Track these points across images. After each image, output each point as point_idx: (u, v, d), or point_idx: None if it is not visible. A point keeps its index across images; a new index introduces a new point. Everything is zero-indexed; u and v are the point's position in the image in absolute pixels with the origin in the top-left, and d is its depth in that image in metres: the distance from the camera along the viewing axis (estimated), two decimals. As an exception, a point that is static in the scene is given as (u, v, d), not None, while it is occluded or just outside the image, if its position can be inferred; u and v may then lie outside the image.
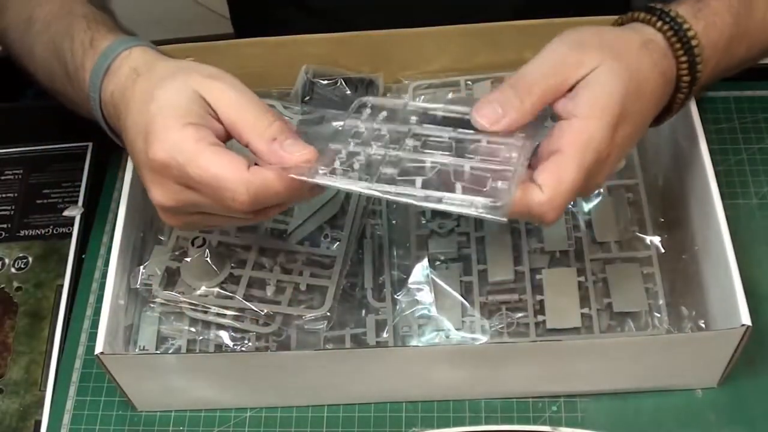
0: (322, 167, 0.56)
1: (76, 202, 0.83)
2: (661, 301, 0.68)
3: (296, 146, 0.56)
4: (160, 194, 0.58)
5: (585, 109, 0.55)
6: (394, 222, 0.75)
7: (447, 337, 0.68)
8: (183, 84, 0.58)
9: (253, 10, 0.94)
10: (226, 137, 0.58)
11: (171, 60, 0.62)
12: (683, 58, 0.60)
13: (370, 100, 0.62)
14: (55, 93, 0.72)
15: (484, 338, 0.68)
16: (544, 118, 0.58)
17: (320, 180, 0.56)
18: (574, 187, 0.55)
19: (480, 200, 0.53)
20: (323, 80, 0.80)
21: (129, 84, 0.61)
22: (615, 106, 0.55)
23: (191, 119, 0.57)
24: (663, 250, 0.71)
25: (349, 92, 0.80)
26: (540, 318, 0.68)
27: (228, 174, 0.55)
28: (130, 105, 0.59)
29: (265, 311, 0.69)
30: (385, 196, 0.55)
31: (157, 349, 0.70)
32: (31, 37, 0.71)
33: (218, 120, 0.58)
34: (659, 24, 0.60)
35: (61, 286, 0.78)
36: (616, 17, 0.64)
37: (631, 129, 0.57)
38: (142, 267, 0.71)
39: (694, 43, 0.60)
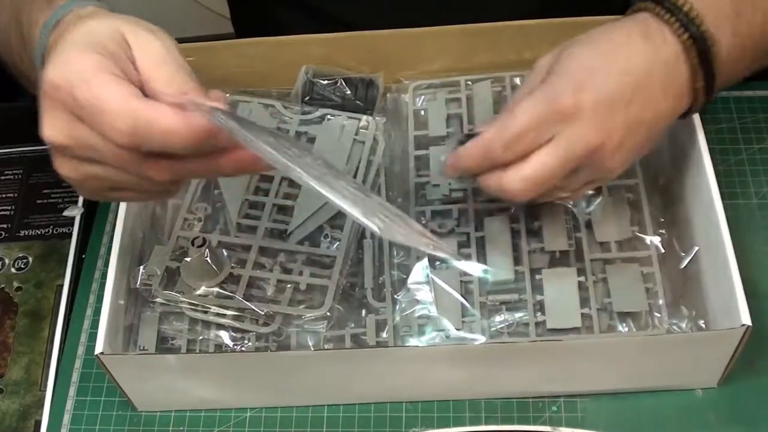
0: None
1: (76, 202, 0.83)
2: (661, 301, 0.68)
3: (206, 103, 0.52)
4: (49, 125, 0.54)
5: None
6: (394, 222, 0.75)
7: (447, 337, 0.68)
8: (111, 24, 0.55)
9: (253, 10, 0.94)
10: (139, 89, 0.54)
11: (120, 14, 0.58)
12: (676, 25, 0.59)
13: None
14: (12, 66, 0.70)
15: (483, 338, 0.68)
16: None
17: (217, 119, 0.52)
18: (525, 126, 0.57)
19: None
20: (323, 80, 0.80)
21: (67, 27, 0.57)
22: (573, 70, 0.59)
23: (102, 51, 0.53)
24: (663, 250, 0.71)
25: (349, 92, 0.80)
26: (540, 318, 0.68)
27: (114, 98, 0.51)
28: (57, 45, 0.56)
29: (265, 311, 0.69)
30: (284, 161, 0.52)
31: (157, 349, 0.70)
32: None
33: (136, 69, 0.54)
34: (644, 4, 0.61)
35: (61, 286, 0.78)
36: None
37: (603, 95, 0.58)
38: (142, 267, 0.71)
39: (685, 8, 0.59)
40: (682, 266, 0.69)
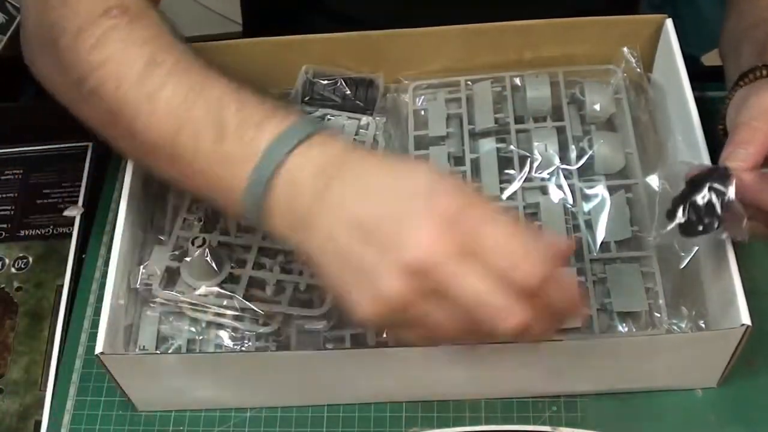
0: None
1: (76, 202, 0.83)
2: (661, 301, 0.68)
3: None
4: (431, 234, 0.49)
5: None
6: (394, 222, 0.75)
7: (447, 337, 0.68)
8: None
9: (265, 10, 0.95)
10: None
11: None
12: None
13: None
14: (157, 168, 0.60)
15: (483, 338, 0.68)
16: None
17: None
18: None
19: None
20: (323, 80, 0.80)
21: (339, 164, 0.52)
22: None
23: None
24: (663, 250, 0.71)
25: (349, 92, 0.80)
26: (540, 318, 0.68)
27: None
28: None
29: (265, 311, 0.69)
30: None
31: (157, 349, 0.70)
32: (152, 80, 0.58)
33: None
34: None
35: (61, 286, 0.78)
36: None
37: None
38: (142, 267, 0.71)
39: None
40: (682, 266, 0.69)
